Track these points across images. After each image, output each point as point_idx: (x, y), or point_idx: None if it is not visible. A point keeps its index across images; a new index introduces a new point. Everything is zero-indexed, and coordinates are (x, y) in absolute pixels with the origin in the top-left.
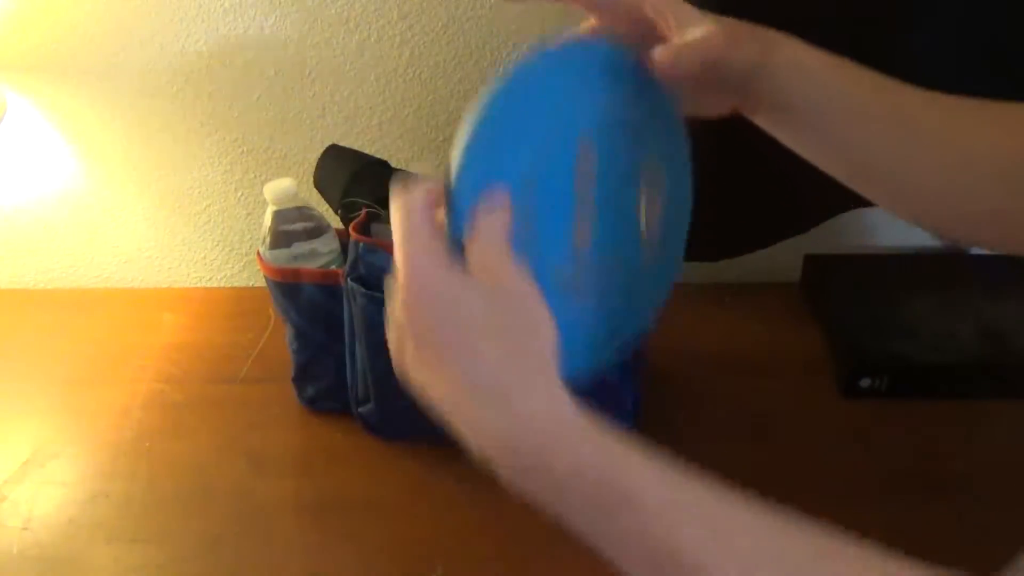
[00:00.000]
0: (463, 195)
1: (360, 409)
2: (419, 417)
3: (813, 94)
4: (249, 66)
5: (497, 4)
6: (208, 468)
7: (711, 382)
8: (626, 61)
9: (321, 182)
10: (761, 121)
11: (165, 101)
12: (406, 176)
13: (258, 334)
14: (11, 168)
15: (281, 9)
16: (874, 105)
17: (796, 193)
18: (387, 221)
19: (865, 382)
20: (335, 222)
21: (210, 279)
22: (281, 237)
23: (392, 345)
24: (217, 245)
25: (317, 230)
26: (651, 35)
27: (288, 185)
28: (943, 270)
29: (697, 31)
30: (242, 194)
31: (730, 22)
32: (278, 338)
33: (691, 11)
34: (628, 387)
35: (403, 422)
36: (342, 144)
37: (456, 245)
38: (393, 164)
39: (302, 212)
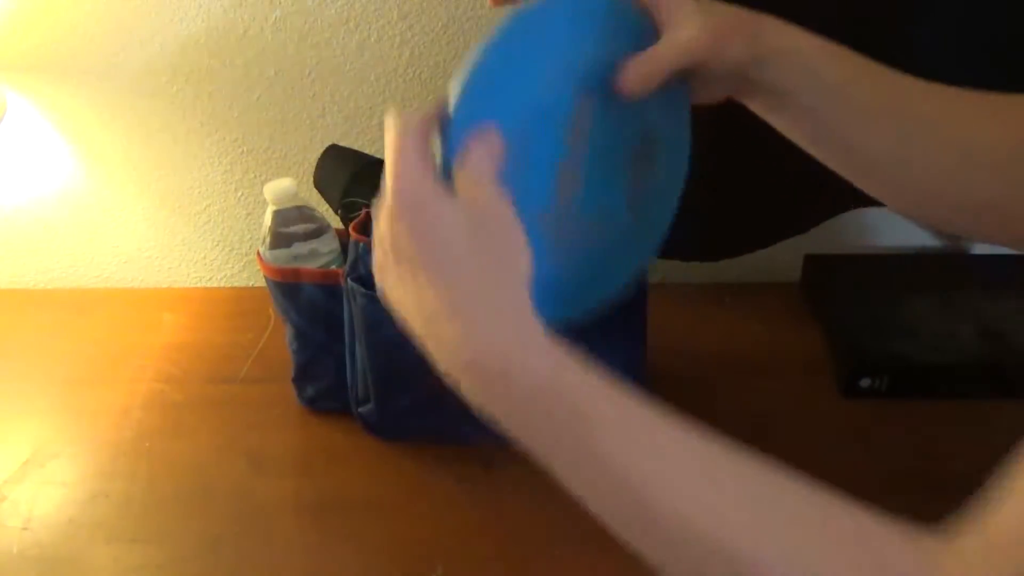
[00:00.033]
0: (458, 126)
1: (360, 409)
2: (419, 417)
3: (806, 82)
4: (249, 66)
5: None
6: (208, 468)
7: (711, 382)
8: (637, 19)
9: (321, 182)
10: (756, 108)
11: (165, 101)
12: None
13: (258, 334)
14: (11, 168)
15: (281, 9)
16: (870, 94)
17: (796, 193)
18: None
19: (865, 382)
20: (335, 222)
21: (210, 279)
22: (281, 237)
23: (375, 261)
24: (217, 245)
25: (317, 230)
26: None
27: (288, 185)
28: (943, 270)
29: (682, 33)
30: (242, 194)
31: (721, 15)
32: (278, 338)
33: (685, 2)
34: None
35: (403, 422)
36: (342, 144)
37: (445, 174)
38: None
39: (302, 212)
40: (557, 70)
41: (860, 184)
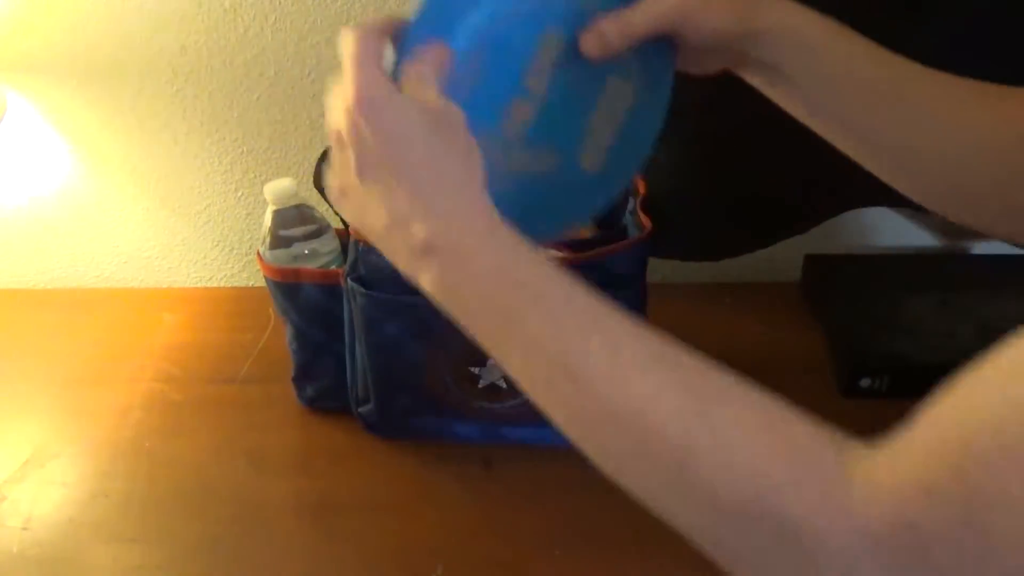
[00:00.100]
0: (412, 41)
1: (360, 409)
2: (419, 417)
3: (801, 61)
4: (249, 66)
5: None
6: (208, 468)
7: None
8: None
9: (321, 182)
10: (754, 83)
11: (165, 101)
12: None
13: (258, 334)
14: (11, 168)
15: (281, 9)
16: (871, 75)
17: (797, 193)
18: None
19: (865, 382)
20: (335, 222)
21: (210, 279)
22: (281, 237)
23: (333, 162)
24: (217, 245)
25: (317, 230)
26: None
27: (288, 185)
28: (943, 270)
29: (660, 1)
30: (242, 194)
31: None
32: (278, 338)
33: None
34: None
35: (403, 422)
36: None
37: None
38: None
39: (302, 212)
40: (525, 10)
41: (862, 161)
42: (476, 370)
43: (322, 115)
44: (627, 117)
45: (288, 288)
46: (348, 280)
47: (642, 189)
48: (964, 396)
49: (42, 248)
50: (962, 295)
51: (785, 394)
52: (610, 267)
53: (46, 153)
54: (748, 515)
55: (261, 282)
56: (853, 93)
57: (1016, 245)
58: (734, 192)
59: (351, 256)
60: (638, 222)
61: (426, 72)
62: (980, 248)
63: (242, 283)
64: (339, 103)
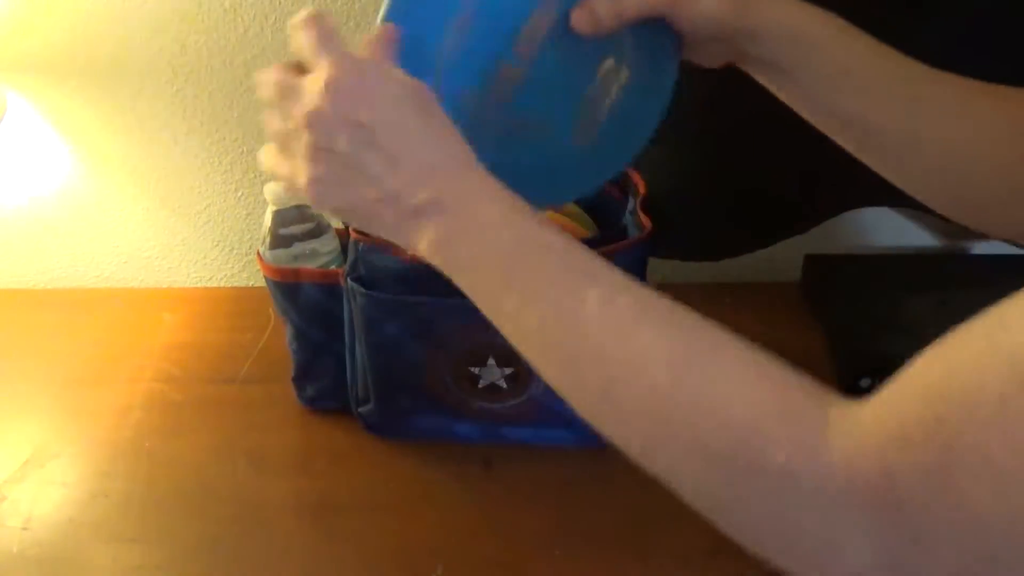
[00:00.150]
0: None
1: (360, 409)
2: (419, 417)
3: (800, 57)
4: (249, 66)
5: None
6: (208, 468)
7: None
8: None
9: None
10: (759, 79)
11: (165, 101)
12: None
13: (258, 334)
14: (11, 168)
15: (281, 9)
16: (872, 72)
17: (797, 192)
18: None
19: (865, 382)
20: (335, 222)
21: (210, 279)
22: (281, 237)
23: (293, 154)
24: (217, 245)
25: (317, 230)
26: None
27: None
28: (943, 270)
29: None
30: (242, 194)
31: None
32: (278, 338)
33: None
34: None
35: (403, 422)
36: None
37: None
38: None
39: (302, 212)
40: None
41: (863, 158)
42: (476, 370)
43: None
44: (623, 99)
45: (288, 288)
46: (348, 280)
47: (642, 189)
48: (951, 346)
49: (42, 248)
50: (962, 295)
51: None
52: None
53: (46, 153)
54: (732, 461)
55: (261, 282)
56: (854, 90)
57: (1017, 246)
58: (734, 191)
59: (351, 256)
60: (638, 222)
61: (381, 52)
62: (980, 248)
63: (242, 283)
64: (306, 87)
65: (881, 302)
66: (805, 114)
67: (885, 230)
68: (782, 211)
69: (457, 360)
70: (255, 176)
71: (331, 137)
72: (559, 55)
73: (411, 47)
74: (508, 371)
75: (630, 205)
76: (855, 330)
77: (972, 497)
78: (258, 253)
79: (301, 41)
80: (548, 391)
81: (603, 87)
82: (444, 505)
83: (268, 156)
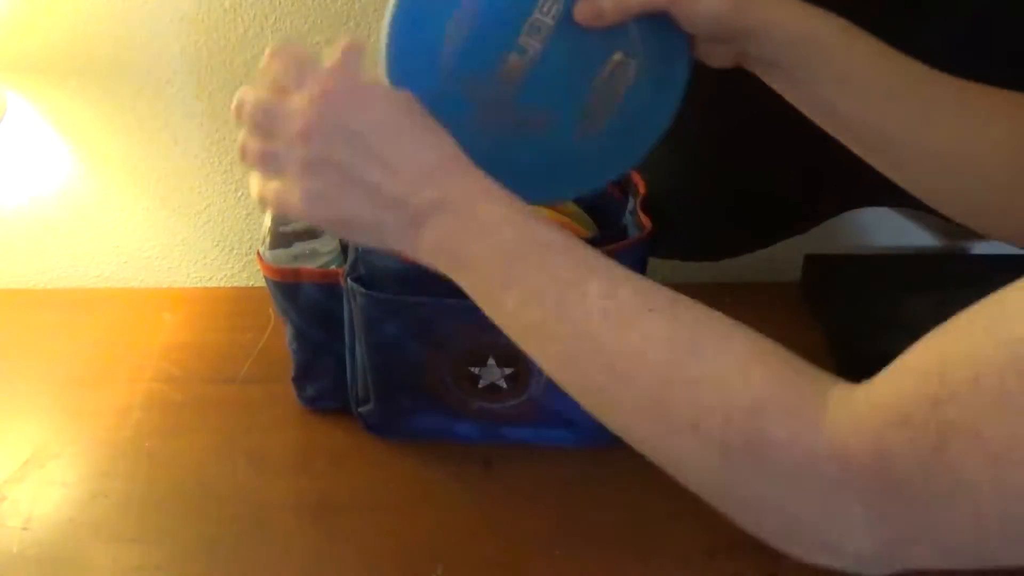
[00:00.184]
0: None
1: (360, 409)
2: (419, 417)
3: (800, 58)
4: (249, 66)
5: None
6: (208, 468)
7: None
8: None
9: None
10: (764, 80)
11: (165, 101)
12: None
13: (258, 334)
14: (11, 168)
15: (281, 9)
16: (874, 73)
17: (797, 192)
18: None
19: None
20: None
21: (210, 279)
22: (281, 237)
23: (307, 188)
24: (217, 245)
25: (317, 230)
26: None
27: None
28: (943, 270)
29: None
30: (242, 194)
31: None
32: (278, 338)
33: None
34: None
35: (403, 422)
36: None
37: None
38: None
39: None
40: None
41: (865, 157)
42: (476, 370)
43: None
44: (630, 96)
45: (288, 288)
46: (348, 280)
47: (642, 189)
48: (950, 332)
49: (42, 248)
50: (962, 295)
51: None
52: None
53: (46, 153)
54: (731, 441)
55: (261, 282)
56: (855, 91)
57: (1017, 246)
58: (734, 191)
59: (351, 256)
60: (638, 222)
61: (352, 62)
62: (980, 248)
63: (242, 283)
64: (295, 103)
65: (881, 302)
66: (809, 114)
67: (885, 230)
68: (782, 211)
69: (457, 360)
70: None
71: (327, 148)
72: (565, 48)
73: (416, 39)
74: (508, 371)
75: (630, 205)
76: (855, 330)
77: (968, 479)
78: (258, 253)
79: (279, 67)
80: (548, 391)
81: (610, 82)
82: (444, 505)
83: (254, 183)
